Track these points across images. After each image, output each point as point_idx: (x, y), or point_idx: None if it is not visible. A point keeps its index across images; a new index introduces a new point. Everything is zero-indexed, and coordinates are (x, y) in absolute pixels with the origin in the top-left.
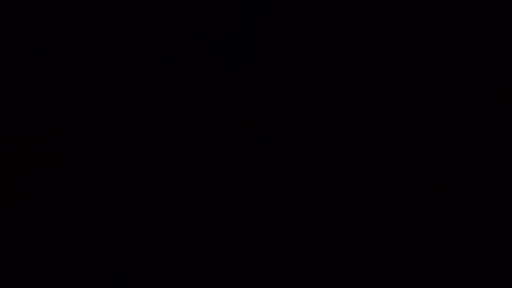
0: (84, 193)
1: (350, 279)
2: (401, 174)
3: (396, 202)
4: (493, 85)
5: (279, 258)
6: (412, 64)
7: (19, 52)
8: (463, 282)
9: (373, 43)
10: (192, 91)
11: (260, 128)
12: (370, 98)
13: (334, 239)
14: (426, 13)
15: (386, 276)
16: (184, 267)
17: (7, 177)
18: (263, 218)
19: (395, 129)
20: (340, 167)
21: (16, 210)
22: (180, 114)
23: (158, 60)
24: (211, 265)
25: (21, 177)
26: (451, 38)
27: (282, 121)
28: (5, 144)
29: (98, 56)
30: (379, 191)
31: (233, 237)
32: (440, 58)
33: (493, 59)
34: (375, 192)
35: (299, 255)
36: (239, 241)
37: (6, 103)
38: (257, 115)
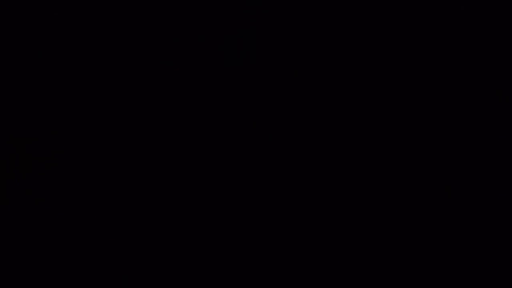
0: (84, 193)
1: (350, 279)
2: (401, 174)
3: (396, 202)
4: (493, 85)
5: (279, 258)
6: (412, 64)
7: (19, 52)
8: (463, 282)
9: (373, 43)
10: (192, 91)
11: (260, 128)
12: (370, 98)
13: (334, 239)
14: (426, 13)
15: (386, 276)
16: (184, 267)
17: (7, 177)
18: (263, 218)
19: (395, 129)
20: (340, 167)
21: (16, 210)
22: (180, 114)
23: (158, 60)
24: (211, 265)
25: (21, 177)
26: (451, 38)
27: (282, 121)
28: (5, 144)
29: (98, 56)
30: (379, 191)
31: (233, 237)
32: (440, 58)
33: (493, 59)
34: (375, 192)
35: (299, 255)
36: (239, 241)
37: (6, 103)
38: (257, 115)
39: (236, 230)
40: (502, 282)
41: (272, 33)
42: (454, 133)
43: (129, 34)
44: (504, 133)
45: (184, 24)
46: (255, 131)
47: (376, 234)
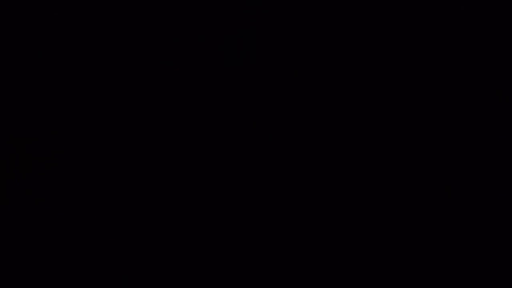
0: (84, 193)
1: (350, 279)
2: (401, 174)
3: (396, 202)
4: (493, 85)
5: (279, 258)
6: (412, 64)
7: (19, 52)
8: (463, 282)
9: (373, 43)
10: (192, 91)
11: (260, 128)
12: (370, 98)
13: (334, 239)
14: (426, 13)
15: (386, 276)
16: (184, 267)
17: (7, 177)
18: (263, 218)
19: (395, 129)
20: (340, 167)
21: (16, 210)
22: (180, 114)
23: (158, 60)
24: (211, 265)
25: (21, 177)
26: (451, 38)
27: (282, 121)
28: (5, 144)
29: (98, 56)
30: (379, 191)
31: (233, 237)
32: (440, 58)
33: (493, 59)
34: (375, 192)
35: (299, 255)
36: (239, 241)
37: (6, 103)
38: (257, 115)
39: (236, 230)
40: (502, 282)
41: (272, 33)
42: (454, 133)
43: (129, 34)
44: (504, 133)
45: (184, 24)
46: (255, 131)
47: (376, 234)
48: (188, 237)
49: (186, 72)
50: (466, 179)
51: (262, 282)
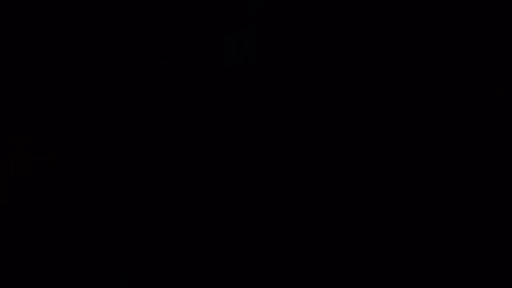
0: (84, 193)
1: (350, 279)
2: (401, 174)
3: (396, 202)
4: (493, 85)
5: (279, 258)
6: (412, 64)
7: (19, 52)
8: (463, 282)
9: (373, 43)
10: (192, 91)
11: (260, 128)
12: (370, 98)
13: (334, 239)
14: (426, 13)
15: (386, 276)
16: (184, 267)
17: (7, 177)
18: (263, 218)
19: (395, 129)
20: (340, 166)
21: (16, 210)
22: (180, 114)
23: (158, 60)
24: (211, 265)
25: (21, 177)
26: (451, 38)
27: (282, 121)
28: (5, 144)
29: (98, 56)
30: (379, 191)
31: (233, 237)
32: (440, 58)
33: (493, 59)
34: (375, 192)
35: (299, 255)
36: (239, 241)
37: (6, 103)
38: (257, 115)
39: (236, 230)
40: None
41: (272, 33)
42: (454, 133)
43: (129, 34)
44: (504, 133)
45: (184, 24)
46: (255, 131)
47: (376, 234)
48: (188, 237)
49: (186, 72)
50: (466, 179)
51: (262, 282)
